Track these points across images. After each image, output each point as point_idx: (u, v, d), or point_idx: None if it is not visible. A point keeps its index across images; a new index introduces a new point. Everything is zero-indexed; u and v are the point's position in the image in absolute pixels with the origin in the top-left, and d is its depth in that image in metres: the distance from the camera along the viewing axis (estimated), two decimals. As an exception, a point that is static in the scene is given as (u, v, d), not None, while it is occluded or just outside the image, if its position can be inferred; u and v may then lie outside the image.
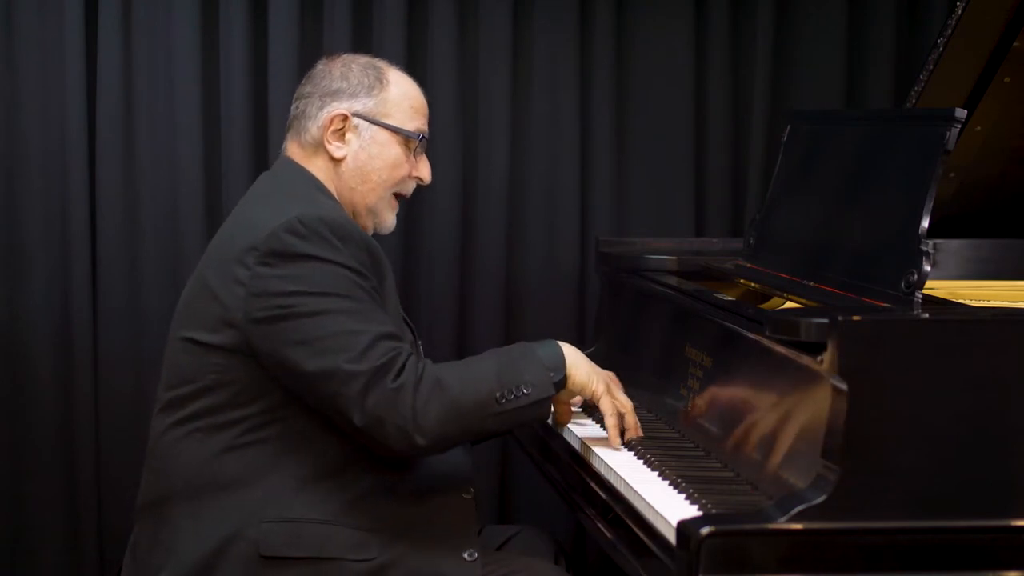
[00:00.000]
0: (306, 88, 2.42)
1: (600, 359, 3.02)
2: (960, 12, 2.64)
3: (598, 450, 2.38)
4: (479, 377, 2.18)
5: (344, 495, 2.19)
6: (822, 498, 1.91)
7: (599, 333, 3.11)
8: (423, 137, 2.41)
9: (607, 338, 3.06)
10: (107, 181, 3.28)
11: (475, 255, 3.42)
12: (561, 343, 2.31)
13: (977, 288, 2.66)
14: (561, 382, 2.27)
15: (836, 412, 1.94)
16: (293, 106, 2.43)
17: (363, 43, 3.33)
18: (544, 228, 3.45)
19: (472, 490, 2.30)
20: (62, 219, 3.28)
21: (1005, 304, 2.49)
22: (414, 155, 2.41)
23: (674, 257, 2.97)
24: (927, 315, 2.06)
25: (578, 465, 2.44)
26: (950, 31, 2.66)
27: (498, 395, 2.17)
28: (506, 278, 3.44)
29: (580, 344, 3.26)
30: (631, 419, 2.40)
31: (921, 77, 2.74)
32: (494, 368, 2.19)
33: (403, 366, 2.12)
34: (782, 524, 1.91)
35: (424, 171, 2.44)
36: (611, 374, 2.50)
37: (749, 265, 2.80)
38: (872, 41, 3.52)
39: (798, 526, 1.91)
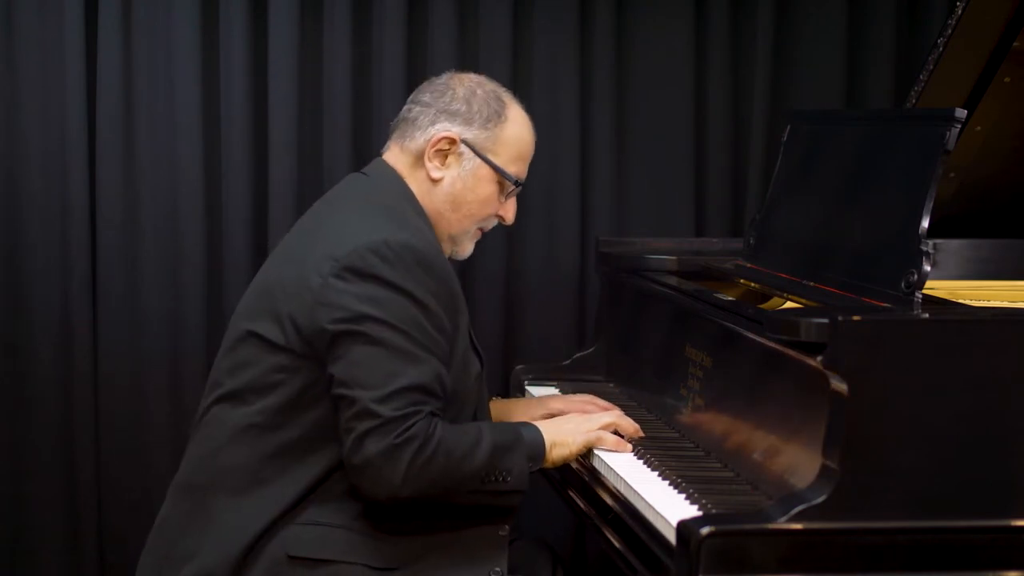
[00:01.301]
0: (425, 96, 2.39)
1: (600, 359, 3.04)
2: (960, 12, 2.64)
3: (598, 450, 2.38)
4: (474, 455, 2.19)
5: (381, 508, 2.19)
6: (822, 498, 1.91)
7: (599, 333, 3.11)
8: (519, 184, 2.41)
9: (607, 338, 3.06)
10: (107, 181, 3.28)
11: (475, 255, 3.39)
12: (541, 426, 2.33)
13: (977, 288, 2.66)
14: (538, 471, 2.31)
15: (836, 412, 1.94)
16: (406, 108, 2.40)
17: (363, 43, 3.33)
18: (544, 228, 3.45)
19: (508, 527, 2.30)
20: (62, 219, 3.27)
21: (1005, 304, 2.49)
22: (505, 196, 2.41)
23: (674, 257, 2.97)
24: (927, 315, 2.06)
25: (577, 464, 2.44)
26: (950, 31, 2.66)
27: (483, 475, 2.20)
28: (506, 278, 3.44)
29: (579, 344, 3.29)
30: (626, 427, 2.41)
31: (921, 77, 2.74)
32: (488, 450, 2.20)
33: (415, 423, 2.12)
34: (782, 524, 1.91)
35: (509, 213, 2.45)
36: (587, 397, 2.62)
37: (749, 265, 2.80)
38: (872, 41, 3.52)
39: (798, 526, 1.91)
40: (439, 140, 2.34)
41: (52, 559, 3.34)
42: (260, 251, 3.28)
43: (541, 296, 3.45)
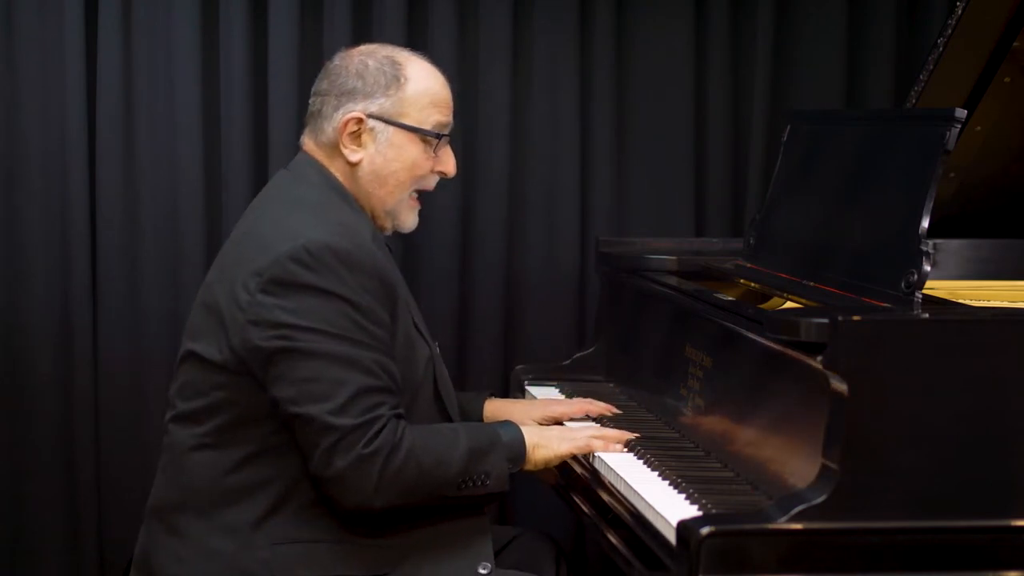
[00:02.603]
0: (323, 84, 2.35)
1: (600, 359, 3.05)
2: (960, 12, 2.64)
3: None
4: (449, 460, 2.17)
5: (359, 516, 2.17)
6: (822, 498, 1.91)
7: (599, 333, 3.11)
8: (442, 135, 2.34)
9: (607, 338, 3.06)
10: (107, 181, 3.28)
11: (475, 255, 3.42)
12: (525, 429, 2.31)
13: (977, 288, 2.66)
14: (518, 472, 2.29)
15: (836, 412, 1.94)
16: (311, 100, 2.37)
17: (363, 43, 3.32)
18: (544, 228, 3.45)
19: (485, 508, 2.29)
20: (62, 219, 3.27)
21: (1005, 304, 2.49)
22: (435, 150, 2.34)
23: (674, 257, 2.97)
24: (927, 315, 2.06)
25: (578, 465, 2.44)
26: (950, 31, 2.66)
27: (460, 481, 2.19)
28: (506, 278, 3.43)
29: (579, 344, 3.30)
30: (610, 435, 2.41)
31: (921, 77, 2.74)
32: (464, 454, 2.19)
33: (380, 429, 2.10)
34: (782, 524, 1.91)
35: (447, 165, 2.37)
36: (585, 400, 2.62)
37: (749, 265, 2.80)
38: (872, 41, 3.52)
39: (798, 526, 1.91)
40: (346, 124, 2.29)
41: (52, 559, 3.34)
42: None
43: (541, 296, 3.45)
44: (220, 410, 2.18)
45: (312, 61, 3.33)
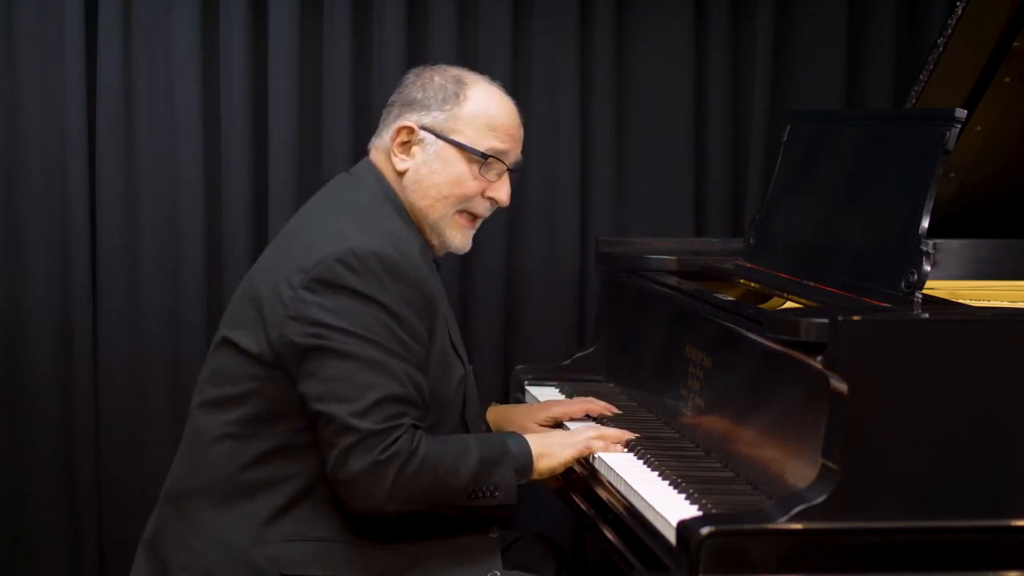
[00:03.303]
0: (393, 95, 2.40)
1: (600, 359, 3.05)
2: (960, 12, 2.64)
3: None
4: (461, 468, 2.17)
5: (372, 519, 2.17)
6: (822, 498, 1.91)
7: (599, 333, 3.11)
8: (490, 157, 2.33)
9: (607, 338, 3.06)
10: (107, 181, 3.28)
11: (475, 255, 3.41)
12: (529, 438, 2.32)
13: (977, 288, 2.66)
14: (525, 483, 2.29)
15: (836, 412, 1.94)
16: (383, 111, 2.42)
17: (363, 43, 3.33)
18: (544, 228, 3.45)
19: (498, 530, 2.30)
20: (62, 219, 3.27)
21: (1005, 304, 2.49)
22: (486, 174, 2.34)
23: (674, 257, 2.97)
24: (927, 315, 2.06)
25: (578, 465, 2.44)
26: (950, 31, 2.66)
27: (470, 491, 2.19)
28: (506, 278, 3.43)
29: (579, 344, 3.30)
30: (611, 435, 2.41)
31: (921, 77, 2.74)
32: (476, 464, 2.19)
33: (398, 437, 2.11)
34: (782, 524, 1.91)
35: (500, 192, 2.37)
36: (585, 399, 2.61)
37: (749, 265, 2.80)
38: (872, 41, 3.52)
39: (798, 526, 1.91)
40: (398, 132, 2.33)
41: (52, 559, 3.34)
42: (260, 251, 3.24)
43: (541, 296, 3.45)
44: (249, 400, 2.19)
45: (312, 61, 3.34)
